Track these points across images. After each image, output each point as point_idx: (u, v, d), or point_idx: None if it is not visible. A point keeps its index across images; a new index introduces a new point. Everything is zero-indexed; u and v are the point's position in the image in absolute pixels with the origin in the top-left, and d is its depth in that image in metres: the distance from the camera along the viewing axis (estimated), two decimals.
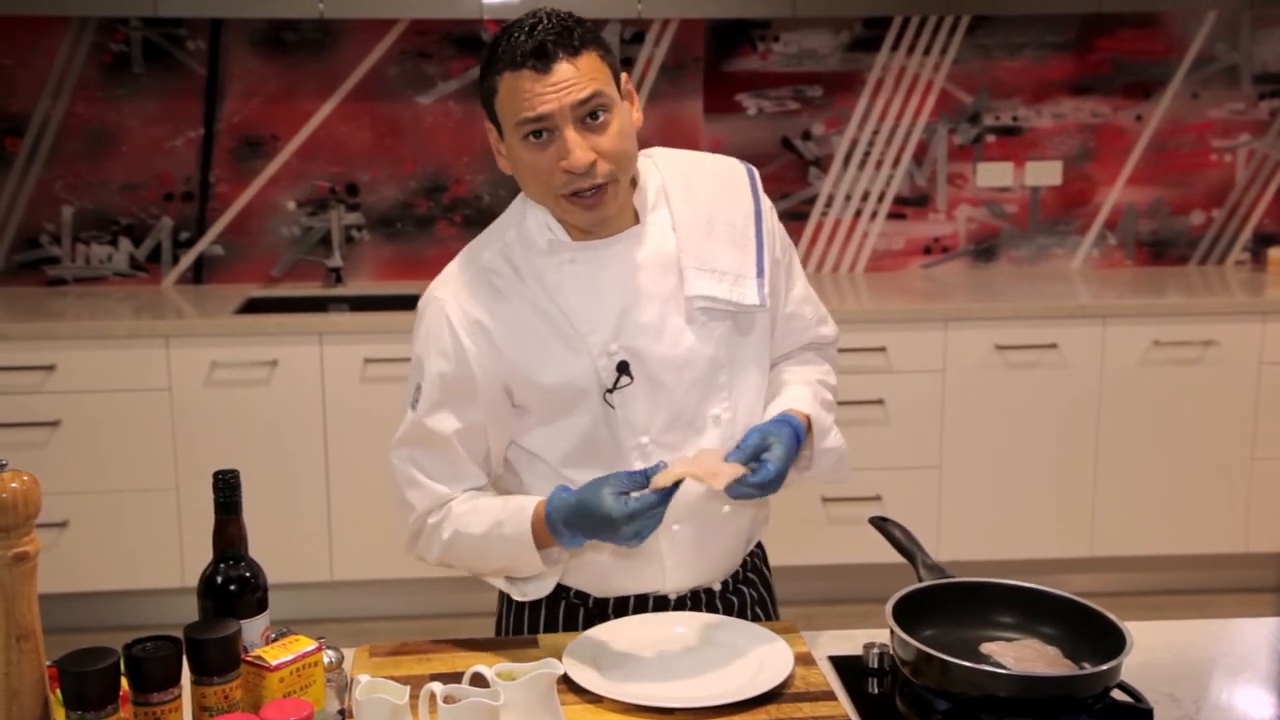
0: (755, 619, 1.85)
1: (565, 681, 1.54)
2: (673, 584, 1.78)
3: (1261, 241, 4.48)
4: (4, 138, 4.09)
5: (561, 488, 1.64)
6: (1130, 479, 3.94)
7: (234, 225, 4.21)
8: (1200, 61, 4.35)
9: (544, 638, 1.74)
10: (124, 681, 1.35)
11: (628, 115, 1.64)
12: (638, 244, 1.70)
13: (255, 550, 1.53)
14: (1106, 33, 4.31)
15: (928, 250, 4.41)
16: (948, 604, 1.62)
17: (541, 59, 1.55)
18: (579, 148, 1.57)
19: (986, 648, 1.58)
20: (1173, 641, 1.71)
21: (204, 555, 1.51)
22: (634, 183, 1.71)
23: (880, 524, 1.82)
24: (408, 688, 1.40)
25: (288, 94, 4.14)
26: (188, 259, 4.22)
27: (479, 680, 1.43)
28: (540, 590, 1.75)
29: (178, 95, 4.11)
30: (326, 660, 1.49)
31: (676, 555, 1.76)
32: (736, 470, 1.57)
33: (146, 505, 3.72)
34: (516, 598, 1.76)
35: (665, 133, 4.18)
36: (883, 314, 3.82)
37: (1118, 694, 1.50)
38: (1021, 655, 1.55)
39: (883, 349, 3.80)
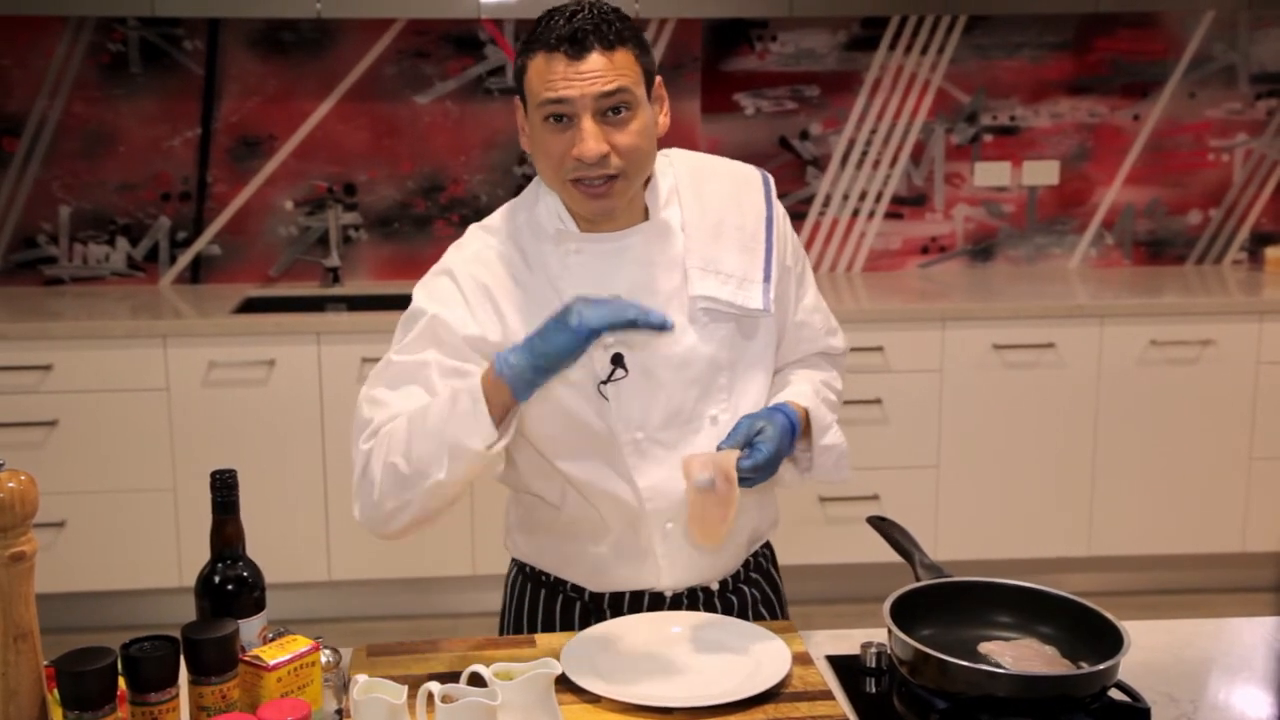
0: (759, 619, 1.84)
1: (563, 681, 1.54)
2: (668, 581, 1.78)
3: (1259, 241, 4.49)
4: (1, 137, 4.09)
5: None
6: (1128, 478, 3.95)
7: (231, 225, 4.20)
8: (1198, 61, 4.36)
9: (541, 637, 1.74)
10: (121, 681, 1.35)
11: (651, 117, 1.65)
12: (645, 240, 1.70)
13: (253, 550, 1.53)
14: (1104, 32, 4.31)
15: (925, 250, 4.41)
16: (945, 603, 1.62)
17: (575, 45, 1.57)
18: (593, 138, 1.58)
19: (984, 647, 1.58)
20: (1170, 641, 1.72)
21: (201, 555, 1.51)
22: (647, 180, 1.72)
23: (878, 523, 1.82)
24: (405, 687, 1.40)
25: (285, 94, 4.14)
26: (185, 259, 4.22)
27: (477, 680, 1.43)
28: (494, 468, 1.58)
29: (175, 95, 4.10)
30: (324, 660, 1.49)
31: (670, 553, 1.76)
32: (729, 457, 1.58)
33: (144, 505, 3.72)
34: (461, 479, 1.56)
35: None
36: (880, 314, 3.83)
37: (1115, 693, 1.50)
38: (1019, 655, 1.55)
39: (880, 349, 3.80)
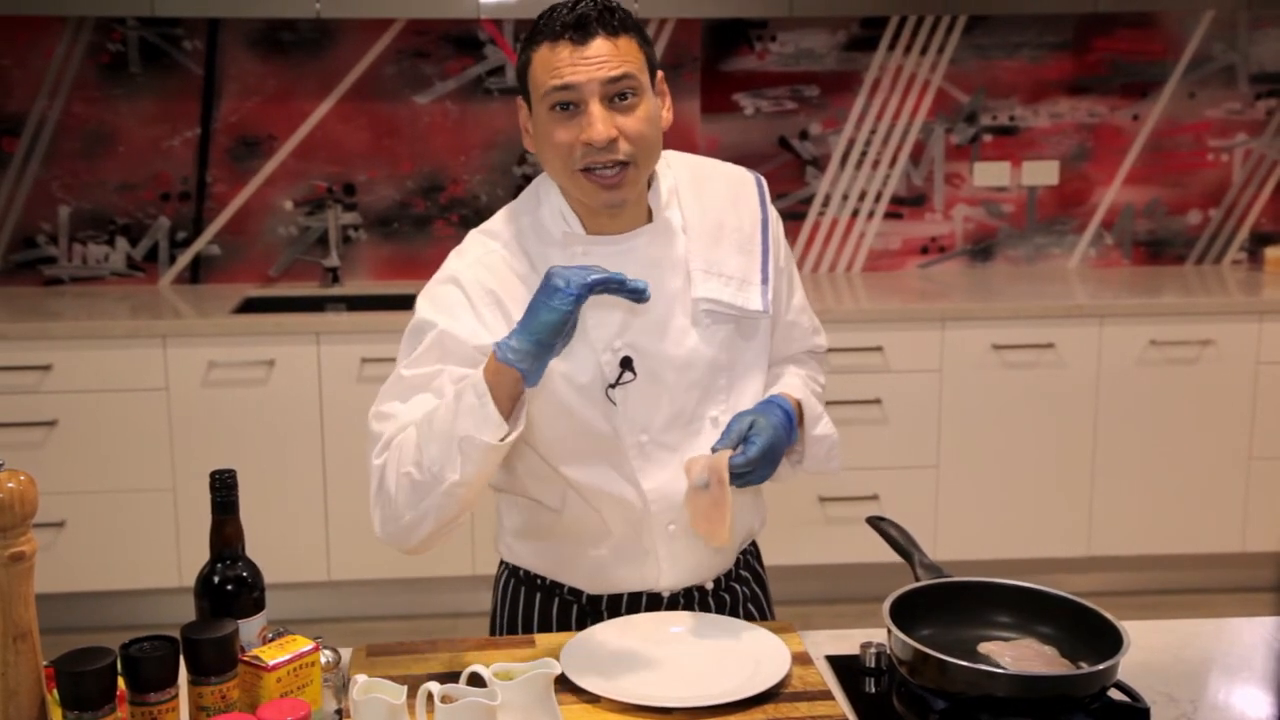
0: (749, 617, 1.85)
1: (562, 681, 1.54)
2: (667, 582, 1.78)
3: (1258, 241, 4.49)
4: (1, 137, 4.09)
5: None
6: (1127, 478, 3.95)
7: (231, 225, 4.20)
8: (1197, 61, 4.36)
9: (541, 637, 1.74)
10: (121, 681, 1.35)
11: (657, 106, 1.66)
12: (649, 242, 1.71)
13: (252, 550, 1.53)
14: (1103, 33, 4.31)
15: (925, 250, 4.41)
16: (945, 603, 1.62)
17: (580, 31, 1.58)
18: (602, 121, 1.58)
19: (984, 647, 1.58)
20: (1170, 641, 1.72)
21: (201, 555, 1.51)
22: (650, 181, 1.72)
23: (877, 523, 1.82)
24: (405, 687, 1.40)
25: (285, 94, 4.14)
26: (185, 259, 4.22)
27: (476, 680, 1.43)
28: (507, 439, 1.52)
29: (175, 95, 4.10)
30: (324, 660, 1.49)
31: (672, 554, 1.76)
32: (721, 457, 1.60)
33: (143, 505, 3.72)
34: (484, 454, 1.51)
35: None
36: (880, 314, 3.83)
37: (1115, 693, 1.50)
38: (1019, 655, 1.55)
39: (880, 349, 3.80)
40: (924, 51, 4.28)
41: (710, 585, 1.82)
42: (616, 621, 1.73)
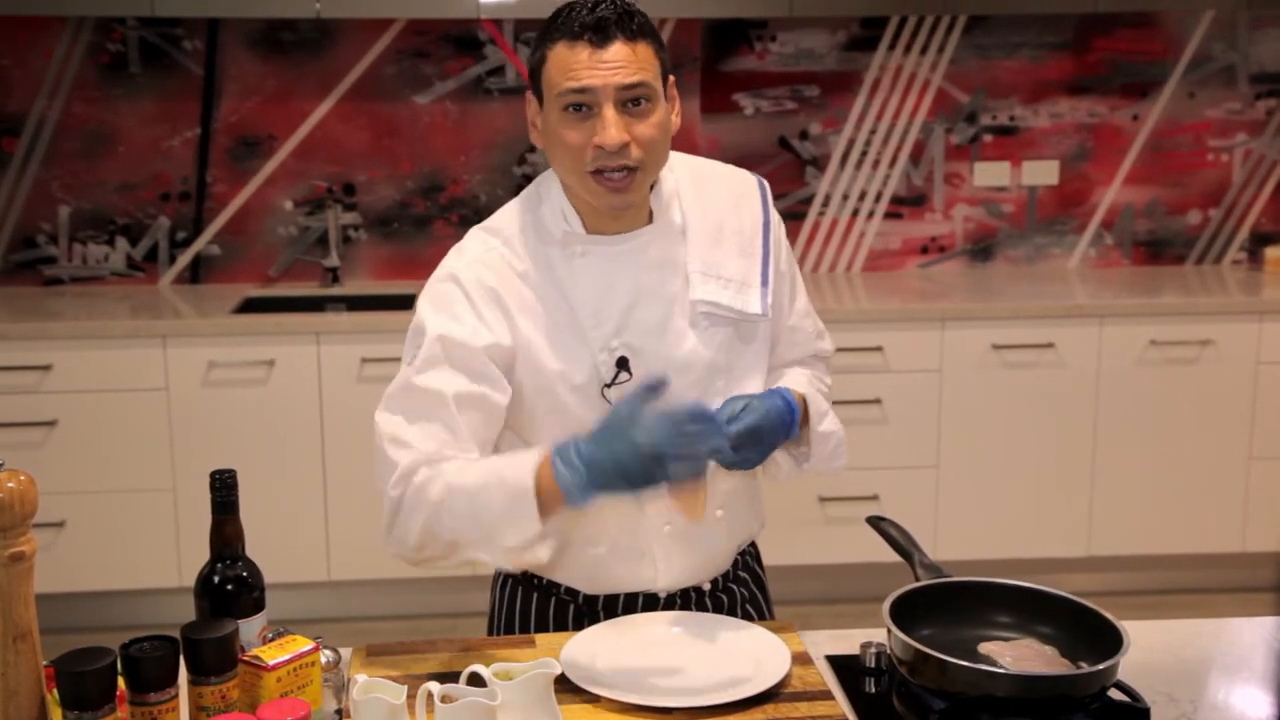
0: (747, 618, 1.85)
1: (562, 681, 1.54)
2: (664, 582, 1.78)
3: (1258, 241, 4.49)
4: (1, 137, 4.09)
5: (571, 437, 1.55)
6: (1127, 478, 3.95)
7: (231, 225, 4.20)
8: (1197, 61, 4.36)
9: (541, 637, 1.74)
10: (121, 681, 1.35)
11: (668, 113, 1.66)
12: (649, 243, 1.71)
13: (252, 550, 1.53)
14: (1103, 33, 4.31)
15: (925, 250, 4.41)
16: (945, 603, 1.62)
17: (599, 34, 1.58)
18: (615, 126, 1.58)
19: (984, 647, 1.58)
20: (1170, 641, 1.72)
21: (201, 555, 1.51)
22: (652, 183, 1.72)
23: (877, 523, 1.82)
24: (405, 687, 1.40)
25: (285, 94, 4.14)
26: (185, 259, 4.22)
27: (476, 680, 1.43)
28: (539, 557, 1.55)
29: (175, 95, 4.10)
30: (324, 660, 1.49)
31: (668, 555, 1.76)
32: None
33: (143, 505, 3.72)
34: (512, 566, 1.60)
35: None
36: (880, 314, 3.83)
37: (1115, 693, 1.50)
38: (1019, 655, 1.55)
39: (880, 349, 3.80)
40: (924, 51, 4.28)
41: (707, 586, 1.83)
42: (616, 621, 1.73)
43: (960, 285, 4.17)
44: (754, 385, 1.77)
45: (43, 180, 4.12)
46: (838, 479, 3.77)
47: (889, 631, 1.53)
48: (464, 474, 1.57)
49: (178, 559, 3.74)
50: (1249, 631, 1.78)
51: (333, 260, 4.19)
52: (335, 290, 4.17)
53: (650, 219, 1.72)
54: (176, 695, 1.37)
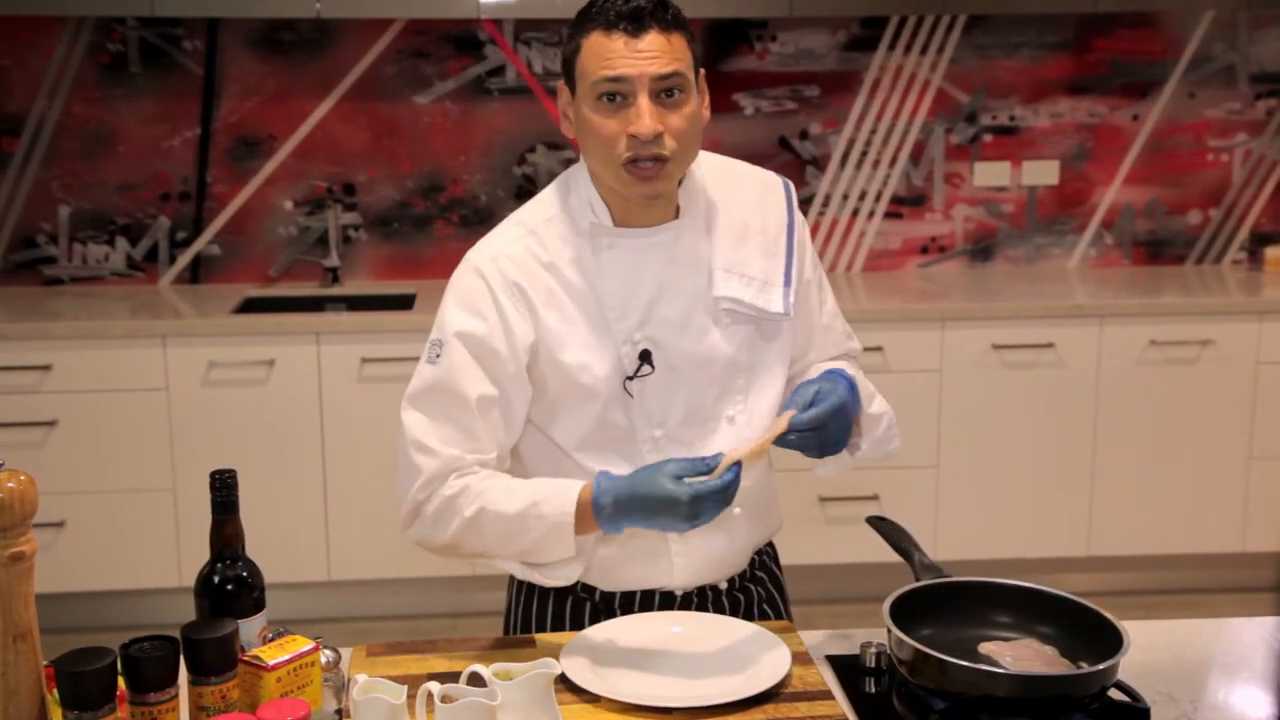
0: (763, 618, 1.85)
1: (563, 681, 1.54)
2: (680, 580, 1.78)
3: (1258, 241, 4.49)
4: (1, 137, 4.09)
5: (603, 473, 1.62)
6: (1127, 478, 3.95)
7: (231, 225, 4.20)
8: (1197, 61, 4.36)
9: (541, 637, 1.74)
10: (121, 681, 1.35)
11: (699, 105, 1.67)
12: (675, 238, 1.72)
13: (252, 550, 1.53)
14: (1103, 32, 4.31)
15: (925, 250, 4.41)
16: (945, 603, 1.62)
17: (635, 23, 1.58)
18: (649, 115, 1.59)
19: (984, 647, 1.58)
20: (1170, 641, 1.72)
21: (201, 555, 1.51)
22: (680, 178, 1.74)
23: (877, 523, 1.82)
24: (405, 687, 1.40)
25: (285, 94, 4.14)
26: (185, 259, 4.22)
27: (476, 680, 1.43)
28: (568, 577, 1.66)
29: (175, 95, 4.10)
30: (324, 660, 1.49)
31: (686, 552, 1.77)
32: (782, 421, 1.60)
33: (143, 505, 3.72)
34: (540, 582, 1.67)
35: None
36: (880, 313, 3.83)
37: (1115, 693, 1.50)
38: (1019, 655, 1.55)
39: (880, 348, 3.80)
40: (924, 51, 4.28)
41: (724, 585, 1.83)
42: (617, 621, 1.73)
43: (960, 285, 4.17)
44: (775, 384, 1.78)
45: (43, 180, 4.12)
46: (837, 478, 3.77)
47: (889, 631, 1.53)
48: (501, 501, 1.63)
49: (178, 559, 3.74)
50: (1249, 632, 1.78)
51: (333, 260, 4.19)
52: (335, 290, 4.17)
53: (677, 214, 1.73)
54: (176, 695, 1.37)
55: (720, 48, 4.23)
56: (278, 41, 4.10)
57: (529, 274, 1.69)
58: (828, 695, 1.56)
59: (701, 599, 1.81)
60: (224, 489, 1.50)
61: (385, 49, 4.14)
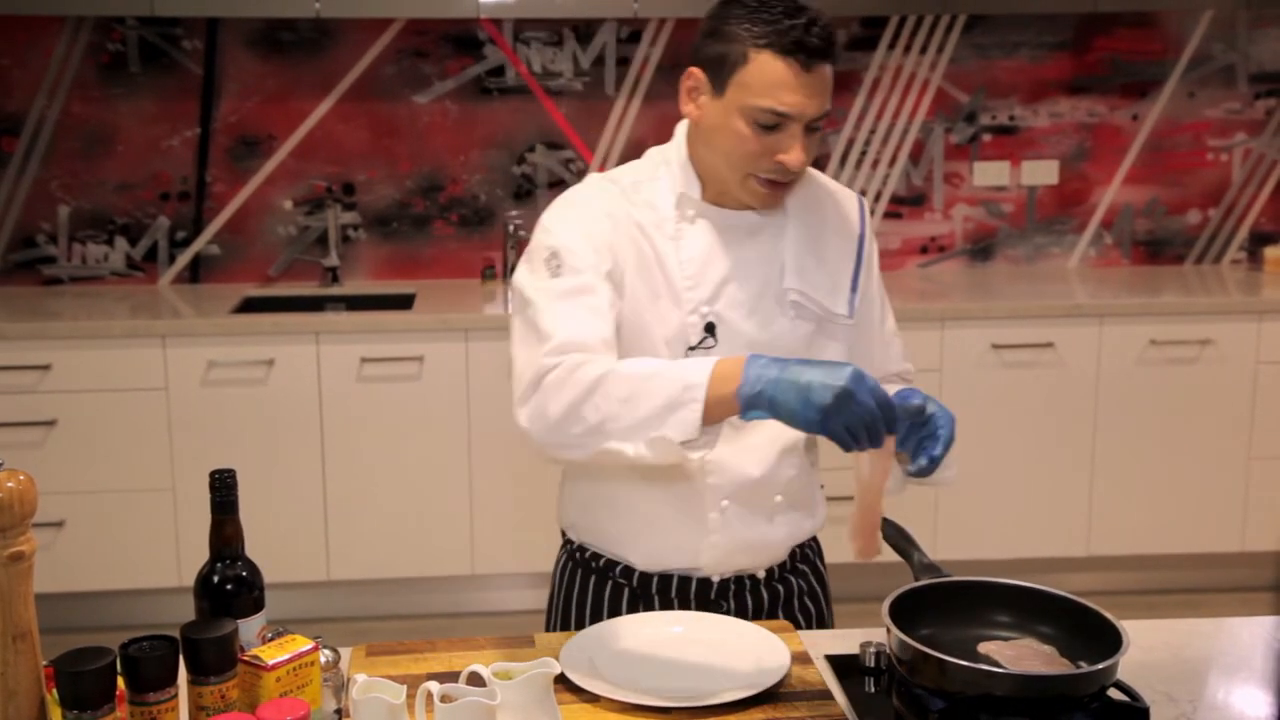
0: (803, 611, 1.87)
1: (562, 681, 1.54)
2: (714, 560, 1.79)
3: (1258, 241, 4.49)
4: (0, 137, 4.09)
5: None
6: (1127, 478, 3.95)
7: (230, 225, 4.20)
8: (1196, 61, 4.36)
9: (540, 636, 1.74)
10: (120, 681, 1.35)
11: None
12: (758, 227, 1.76)
13: (252, 550, 1.53)
14: (1103, 32, 4.31)
15: (924, 250, 4.41)
16: (944, 603, 1.62)
17: (812, 57, 1.60)
18: (804, 150, 1.64)
19: (983, 647, 1.58)
20: (1169, 640, 1.72)
21: (200, 555, 1.51)
22: None
23: None
24: (404, 687, 1.40)
25: (284, 93, 4.14)
26: (184, 258, 4.22)
27: (476, 679, 1.43)
28: (685, 455, 1.51)
29: (174, 95, 4.10)
30: (323, 659, 1.49)
31: (723, 526, 1.78)
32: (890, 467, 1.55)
33: (143, 505, 3.72)
34: (646, 459, 1.53)
35: (662, 132, 4.16)
36: None
37: (1114, 693, 1.50)
38: (1018, 654, 1.55)
39: None
40: (923, 51, 4.28)
41: (761, 575, 1.84)
42: (617, 621, 1.74)
43: (960, 285, 4.17)
44: None
45: (42, 180, 4.11)
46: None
47: (888, 631, 1.53)
48: (631, 365, 1.55)
49: (177, 559, 3.74)
50: (1248, 631, 1.78)
51: (332, 260, 4.19)
52: (335, 290, 4.17)
53: None
54: (176, 695, 1.37)
55: None
56: (277, 41, 4.10)
57: (618, 217, 1.72)
58: (827, 695, 1.56)
59: (739, 587, 1.82)
60: (223, 489, 1.50)
61: (385, 49, 4.14)
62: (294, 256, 4.24)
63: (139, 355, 3.66)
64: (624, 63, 4.20)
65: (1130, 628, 1.51)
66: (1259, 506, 3.99)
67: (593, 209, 1.71)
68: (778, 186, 1.67)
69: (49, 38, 4.03)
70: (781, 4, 1.61)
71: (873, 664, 1.62)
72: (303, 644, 1.44)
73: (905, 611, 1.55)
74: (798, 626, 1.86)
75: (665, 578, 1.81)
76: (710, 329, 1.72)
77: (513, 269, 4.18)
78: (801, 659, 1.64)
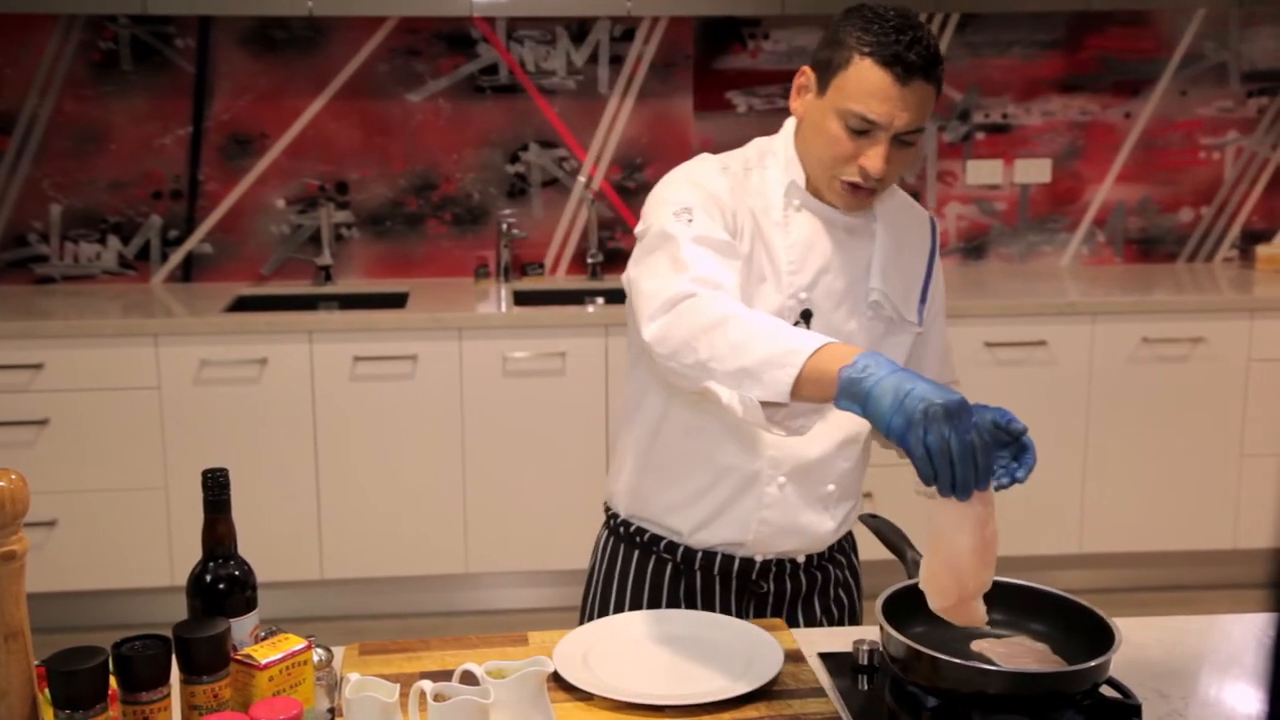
0: (837, 602, 1.92)
1: (555, 679, 1.54)
2: (757, 540, 1.83)
3: (1249, 239, 4.50)
4: None
5: None
6: (1119, 475, 3.95)
7: (223, 223, 4.20)
8: (1189, 59, 4.37)
9: (534, 635, 1.74)
10: (113, 681, 1.35)
11: (919, 147, 1.73)
12: (854, 225, 1.80)
13: (244, 549, 1.53)
14: (1095, 30, 4.32)
15: None
16: None
17: (910, 71, 1.64)
18: (884, 160, 1.67)
19: (976, 645, 1.58)
20: (1161, 638, 1.72)
21: (193, 554, 1.51)
22: None
23: (870, 521, 1.83)
24: (397, 686, 1.40)
25: (277, 92, 4.13)
26: (176, 257, 4.21)
27: (469, 678, 1.43)
28: (769, 420, 1.50)
29: (166, 93, 4.10)
30: (316, 659, 1.49)
31: (778, 507, 1.81)
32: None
33: (135, 504, 3.71)
34: (737, 413, 1.53)
35: (655, 131, 4.17)
36: None
37: (1106, 690, 1.50)
38: (1011, 652, 1.56)
39: None
40: None
41: (802, 560, 1.88)
42: (610, 619, 1.74)
43: (953, 283, 4.17)
44: None
45: (34, 178, 4.11)
46: None
47: (881, 629, 1.53)
48: (756, 314, 1.55)
49: (169, 558, 3.74)
50: (1239, 628, 1.78)
51: (325, 259, 4.18)
52: (328, 289, 4.17)
53: None
54: (168, 694, 1.37)
55: (713, 45, 4.23)
56: (270, 39, 4.10)
57: (733, 191, 1.76)
58: (820, 693, 1.56)
59: (780, 570, 1.86)
60: (216, 488, 1.49)
61: (378, 47, 4.13)
62: (287, 255, 4.23)
63: (131, 354, 3.65)
64: (617, 61, 4.20)
65: (1122, 625, 1.51)
66: (1251, 504, 4.00)
67: (717, 186, 1.74)
68: (859, 191, 1.71)
69: (41, 36, 4.02)
70: (895, 20, 1.66)
71: (866, 662, 1.62)
72: (295, 643, 1.44)
73: (898, 609, 1.55)
74: (830, 616, 1.92)
75: (709, 555, 1.85)
76: (807, 315, 1.77)
77: (507, 268, 4.20)
78: (795, 657, 1.64)
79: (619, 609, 1.89)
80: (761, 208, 1.77)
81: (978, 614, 1.47)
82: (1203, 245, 4.50)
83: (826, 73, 1.70)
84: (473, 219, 4.22)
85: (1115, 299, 3.92)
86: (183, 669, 1.38)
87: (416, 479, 3.78)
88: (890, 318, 1.83)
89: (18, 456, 3.57)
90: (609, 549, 1.94)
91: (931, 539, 1.46)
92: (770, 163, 1.80)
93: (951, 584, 1.45)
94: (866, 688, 1.59)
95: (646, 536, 1.89)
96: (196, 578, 1.49)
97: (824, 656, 1.66)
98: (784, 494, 1.82)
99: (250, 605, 1.51)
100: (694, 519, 1.84)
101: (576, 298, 4.18)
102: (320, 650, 1.51)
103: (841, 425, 1.82)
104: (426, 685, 1.38)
